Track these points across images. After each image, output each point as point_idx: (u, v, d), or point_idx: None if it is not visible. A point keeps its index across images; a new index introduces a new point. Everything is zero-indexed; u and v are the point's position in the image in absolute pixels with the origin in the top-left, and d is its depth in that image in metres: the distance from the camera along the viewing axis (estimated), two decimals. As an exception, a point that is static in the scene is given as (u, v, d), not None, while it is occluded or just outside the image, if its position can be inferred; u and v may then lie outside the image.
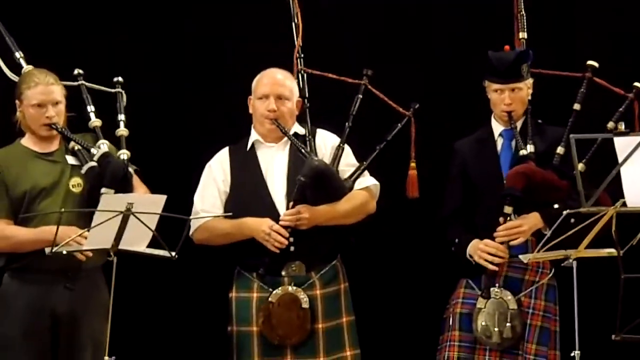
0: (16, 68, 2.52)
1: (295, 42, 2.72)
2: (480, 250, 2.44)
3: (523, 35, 2.72)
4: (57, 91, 2.36)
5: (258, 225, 2.44)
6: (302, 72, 2.68)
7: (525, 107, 2.58)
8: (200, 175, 2.58)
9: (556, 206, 2.34)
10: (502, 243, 2.41)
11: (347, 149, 2.61)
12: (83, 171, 2.34)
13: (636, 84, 2.54)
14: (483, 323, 2.46)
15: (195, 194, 2.56)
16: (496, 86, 2.51)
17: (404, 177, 2.63)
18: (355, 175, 2.56)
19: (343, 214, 2.52)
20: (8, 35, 2.57)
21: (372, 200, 2.59)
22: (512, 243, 2.41)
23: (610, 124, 2.45)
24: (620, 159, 2.08)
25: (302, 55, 2.71)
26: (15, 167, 2.37)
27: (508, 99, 2.50)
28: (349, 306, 2.58)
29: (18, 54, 2.54)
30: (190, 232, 2.44)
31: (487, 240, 2.43)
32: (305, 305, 2.47)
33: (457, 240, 2.54)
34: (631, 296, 2.17)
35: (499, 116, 2.57)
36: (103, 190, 2.25)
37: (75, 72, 2.55)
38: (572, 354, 2.17)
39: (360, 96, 2.68)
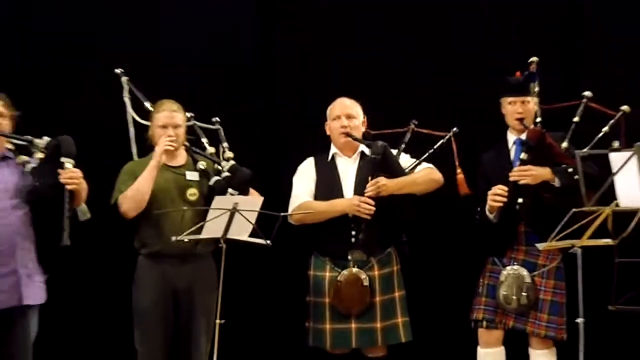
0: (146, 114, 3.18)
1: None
2: (489, 196, 3.03)
3: (534, 59, 3.31)
4: (179, 117, 2.98)
5: (349, 201, 3.06)
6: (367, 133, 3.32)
7: (533, 119, 3.21)
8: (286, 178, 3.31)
9: (568, 168, 2.90)
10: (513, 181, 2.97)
11: (403, 154, 3.31)
12: (211, 183, 2.94)
13: (623, 107, 3.12)
14: (504, 292, 3.08)
15: (293, 185, 3.23)
16: (510, 99, 3.15)
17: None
18: (412, 166, 3.23)
19: (411, 181, 3.13)
20: (138, 91, 3.24)
21: (435, 172, 3.20)
22: (521, 182, 2.96)
23: (616, 143, 2.97)
24: (614, 170, 2.64)
25: None
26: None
27: (520, 109, 3.13)
28: (400, 283, 3.19)
29: (147, 104, 3.18)
30: (289, 214, 3.07)
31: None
32: (366, 283, 3.08)
33: (478, 209, 3.15)
34: (624, 276, 2.75)
35: (512, 125, 3.19)
36: (230, 191, 2.87)
37: (189, 114, 3.18)
38: (577, 321, 2.69)
39: (409, 135, 3.38)
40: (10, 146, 2.69)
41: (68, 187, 2.55)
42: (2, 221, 2.56)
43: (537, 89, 3.22)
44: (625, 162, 2.57)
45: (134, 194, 2.84)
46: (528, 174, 2.97)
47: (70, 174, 2.57)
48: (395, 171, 3.10)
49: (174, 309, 2.94)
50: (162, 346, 2.93)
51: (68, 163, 2.59)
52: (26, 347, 2.66)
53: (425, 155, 3.25)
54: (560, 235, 2.57)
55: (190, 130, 3.16)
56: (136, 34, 3.72)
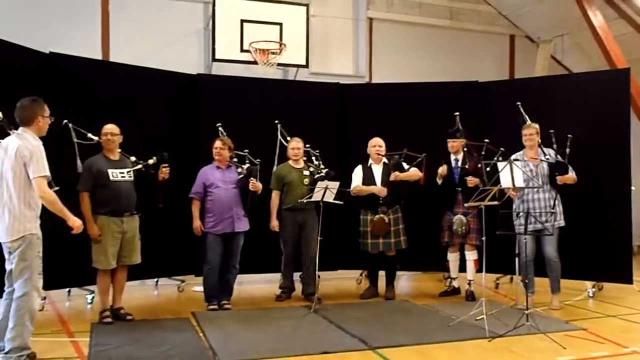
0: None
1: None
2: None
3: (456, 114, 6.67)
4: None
5: (377, 188, 6.44)
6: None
7: (462, 148, 6.57)
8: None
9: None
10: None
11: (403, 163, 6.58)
12: (315, 177, 6.31)
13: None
14: (455, 227, 6.48)
15: (352, 178, 6.59)
16: (450, 140, 6.56)
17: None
18: (408, 168, 6.53)
19: (408, 176, 6.47)
20: None
21: (418, 172, 6.51)
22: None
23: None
24: (500, 169, 5.89)
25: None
26: (284, 171, 6.37)
27: (453, 145, 6.57)
28: (401, 221, 6.57)
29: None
30: (351, 190, 6.43)
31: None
32: (386, 221, 6.45)
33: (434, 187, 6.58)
34: (501, 218, 6.02)
35: (452, 152, 6.58)
36: (325, 181, 6.10)
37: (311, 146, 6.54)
38: (482, 238, 5.70)
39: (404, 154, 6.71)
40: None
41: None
42: (228, 193, 5.84)
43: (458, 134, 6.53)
44: (504, 167, 5.85)
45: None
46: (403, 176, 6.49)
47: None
48: (401, 170, 6.45)
49: (299, 232, 6.31)
50: (294, 246, 6.39)
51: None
52: (238, 251, 5.96)
53: (413, 164, 6.59)
54: (476, 199, 5.60)
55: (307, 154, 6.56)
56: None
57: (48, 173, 4.06)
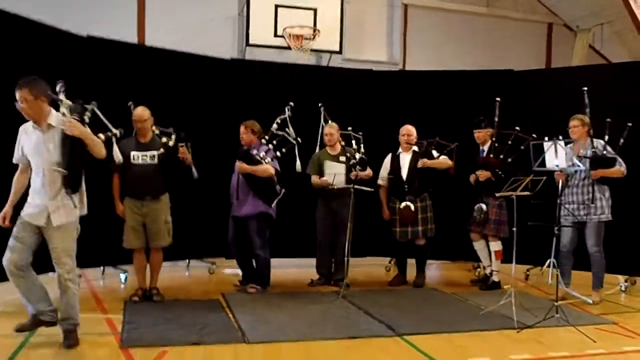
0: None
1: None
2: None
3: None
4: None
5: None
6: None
7: (489, 138, 6.54)
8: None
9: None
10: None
11: (434, 151, 6.53)
12: (350, 163, 6.28)
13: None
14: (475, 214, 6.43)
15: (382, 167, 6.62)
16: (475, 130, 6.53)
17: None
18: (437, 156, 6.49)
19: (438, 163, 6.44)
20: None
21: (448, 160, 6.43)
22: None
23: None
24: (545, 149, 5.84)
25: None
26: (320, 158, 6.39)
27: (478, 135, 6.45)
28: (430, 209, 6.54)
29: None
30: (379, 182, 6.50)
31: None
32: (413, 208, 6.43)
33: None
34: (534, 209, 5.93)
35: (480, 142, 6.55)
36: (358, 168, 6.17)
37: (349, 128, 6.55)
38: (513, 229, 5.71)
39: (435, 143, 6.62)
40: None
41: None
42: (235, 177, 5.89)
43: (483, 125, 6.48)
44: (549, 147, 5.63)
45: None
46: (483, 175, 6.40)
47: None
48: (430, 158, 6.41)
49: (333, 217, 6.37)
50: (327, 232, 6.43)
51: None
52: (254, 235, 5.99)
53: (444, 152, 6.53)
54: (507, 189, 5.57)
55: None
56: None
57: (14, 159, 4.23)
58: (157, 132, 5.57)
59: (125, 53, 6.43)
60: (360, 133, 6.67)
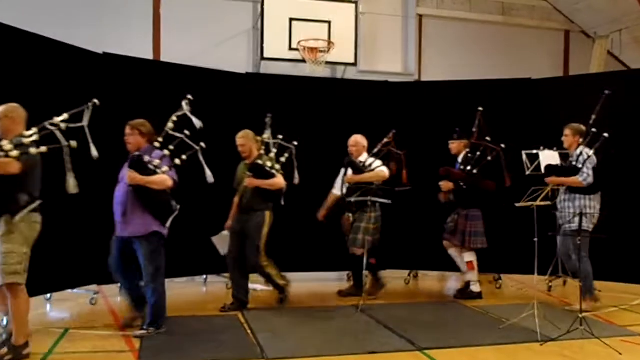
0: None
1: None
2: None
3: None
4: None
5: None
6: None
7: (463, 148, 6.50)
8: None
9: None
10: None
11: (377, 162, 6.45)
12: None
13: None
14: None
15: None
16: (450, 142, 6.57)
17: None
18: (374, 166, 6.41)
19: (362, 177, 6.37)
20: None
21: (378, 174, 6.32)
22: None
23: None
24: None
25: None
26: (241, 170, 6.12)
27: (452, 146, 6.66)
28: (369, 220, 6.31)
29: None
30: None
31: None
32: (351, 220, 6.42)
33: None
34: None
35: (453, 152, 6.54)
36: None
37: None
38: (534, 240, 5.43)
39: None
40: None
41: None
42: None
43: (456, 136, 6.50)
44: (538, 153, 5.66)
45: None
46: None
47: None
48: (355, 170, 6.34)
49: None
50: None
51: None
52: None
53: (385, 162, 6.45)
54: (528, 199, 5.43)
55: None
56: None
57: None
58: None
59: (141, 69, 6.47)
60: (295, 142, 6.13)
